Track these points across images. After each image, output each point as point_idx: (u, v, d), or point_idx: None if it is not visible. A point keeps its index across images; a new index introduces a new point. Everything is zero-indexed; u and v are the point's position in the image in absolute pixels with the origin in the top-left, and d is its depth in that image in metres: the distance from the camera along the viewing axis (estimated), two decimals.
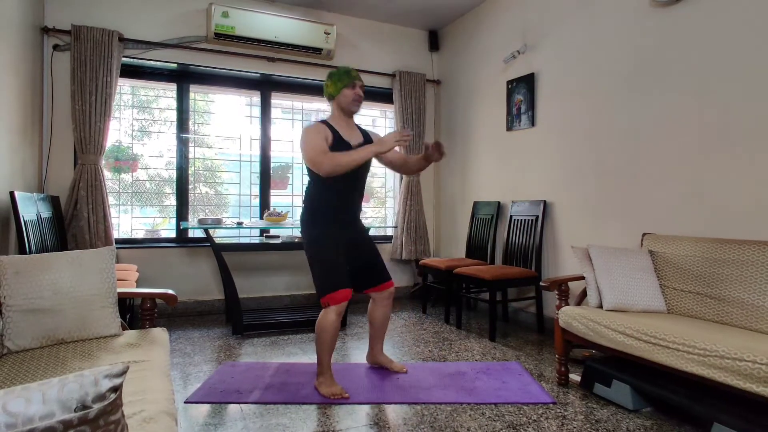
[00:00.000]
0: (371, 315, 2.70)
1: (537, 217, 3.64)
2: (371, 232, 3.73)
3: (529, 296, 3.73)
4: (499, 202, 4.13)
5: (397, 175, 4.99)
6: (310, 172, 2.45)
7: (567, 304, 2.56)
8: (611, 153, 3.14)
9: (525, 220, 3.77)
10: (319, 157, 2.27)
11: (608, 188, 3.17)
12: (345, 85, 2.45)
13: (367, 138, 2.58)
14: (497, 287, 3.36)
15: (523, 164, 3.91)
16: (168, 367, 1.65)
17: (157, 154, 4.23)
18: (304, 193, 2.49)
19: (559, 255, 3.55)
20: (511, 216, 3.92)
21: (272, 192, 4.52)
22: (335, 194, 2.46)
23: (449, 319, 3.91)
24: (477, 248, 4.26)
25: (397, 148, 2.64)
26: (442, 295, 4.29)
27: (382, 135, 2.60)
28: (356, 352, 3.11)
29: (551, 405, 2.28)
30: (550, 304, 3.57)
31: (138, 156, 4.14)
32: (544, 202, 3.63)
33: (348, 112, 2.50)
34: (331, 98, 2.50)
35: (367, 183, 2.65)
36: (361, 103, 2.52)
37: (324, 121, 2.48)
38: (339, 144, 2.40)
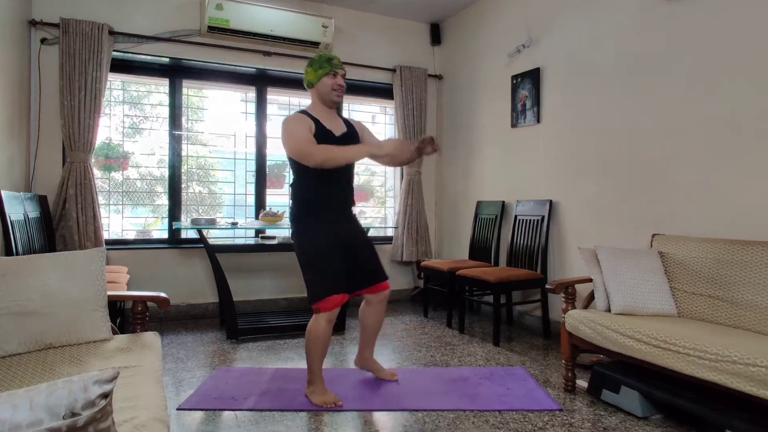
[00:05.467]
0: (363, 318, 2.58)
1: (542, 217, 3.59)
2: (370, 233, 3.66)
3: (534, 299, 3.68)
4: (503, 202, 4.07)
5: (398, 173, 4.92)
6: (296, 165, 2.32)
7: (574, 307, 2.52)
8: (619, 151, 3.10)
9: (530, 220, 3.71)
10: (307, 147, 2.17)
11: (616, 187, 3.12)
12: (326, 73, 2.33)
13: (351, 128, 2.47)
14: (501, 290, 3.31)
15: (528, 162, 3.86)
16: (160, 373, 1.63)
17: (148, 151, 4.16)
18: (289, 190, 2.36)
19: (566, 256, 3.50)
20: (515, 216, 3.87)
21: (268, 191, 4.45)
22: (325, 185, 2.33)
23: (451, 322, 3.85)
24: (480, 249, 4.20)
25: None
26: (444, 298, 4.23)
27: (374, 131, 2.52)
28: (354, 358, 3.04)
29: (557, 412, 2.24)
30: (556, 308, 3.51)
31: (129, 154, 4.07)
32: (550, 201, 3.58)
33: (328, 102, 2.38)
34: (310, 86, 2.39)
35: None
36: (343, 94, 2.40)
37: (304, 111, 2.39)
38: (322, 134, 2.29)
